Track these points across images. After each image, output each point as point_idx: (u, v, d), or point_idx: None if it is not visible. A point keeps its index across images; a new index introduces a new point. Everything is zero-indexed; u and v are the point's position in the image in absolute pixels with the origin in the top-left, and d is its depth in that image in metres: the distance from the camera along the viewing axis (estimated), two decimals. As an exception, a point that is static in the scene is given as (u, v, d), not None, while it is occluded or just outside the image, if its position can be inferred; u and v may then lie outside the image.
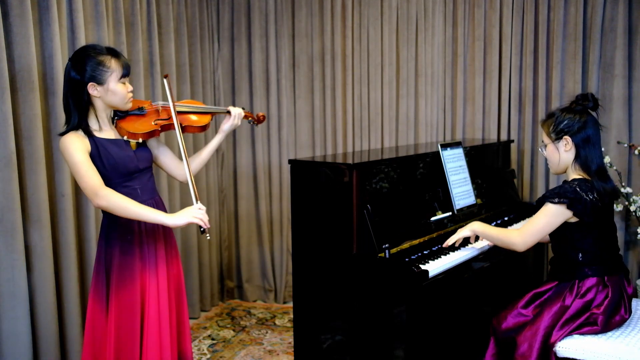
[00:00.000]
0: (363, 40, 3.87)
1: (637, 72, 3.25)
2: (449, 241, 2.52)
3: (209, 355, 3.30)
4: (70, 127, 2.03)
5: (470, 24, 3.65)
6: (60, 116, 2.60)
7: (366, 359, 2.42)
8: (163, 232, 2.21)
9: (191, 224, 2.01)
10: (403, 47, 3.80)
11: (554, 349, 2.18)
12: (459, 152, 2.88)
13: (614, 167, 3.23)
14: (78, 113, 2.04)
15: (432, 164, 2.83)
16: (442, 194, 2.77)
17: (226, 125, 2.42)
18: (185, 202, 3.75)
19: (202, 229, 2.04)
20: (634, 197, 3.15)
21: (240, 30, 4.06)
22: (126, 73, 2.08)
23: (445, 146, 2.80)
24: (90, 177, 1.97)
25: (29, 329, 2.48)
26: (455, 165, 2.82)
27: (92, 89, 2.02)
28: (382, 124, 3.90)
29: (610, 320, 2.20)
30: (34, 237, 2.54)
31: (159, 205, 2.21)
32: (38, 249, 2.55)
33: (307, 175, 2.57)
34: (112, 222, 2.10)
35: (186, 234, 3.79)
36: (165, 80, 2.21)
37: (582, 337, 2.18)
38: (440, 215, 2.71)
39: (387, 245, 2.34)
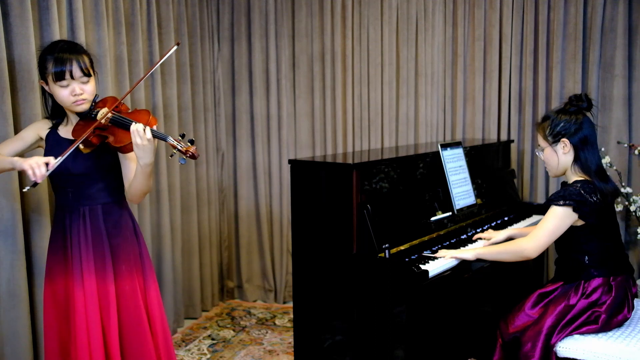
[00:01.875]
0: (363, 40, 3.87)
1: (637, 72, 3.25)
2: (447, 256, 2.40)
3: (209, 355, 3.30)
4: (48, 115, 2.17)
5: (470, 24, 3.65)
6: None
7: (366, 359, 2.42)
8: (96, 244, 2.08)
9: (25, 171, 1.87)
10: (403, 47, 3.80)
11: (554, 349, 2.18)
12: (459, 152, 2.88)
13: (614, 167, 3.23)
14: (47, 104, 2.14)
15: (432, 164, 2.83)
16: (442, 194, 2.77)
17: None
18: (186, 205, 3.76)
19: (29, 185, 1.88)
20: (634, 197, 3.15)
21: (240, 30, 4.06)
22: (59, 78, 1.95)
23: (445, 146, 2.80)
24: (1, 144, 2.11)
25: (29, 329, 2.47)
26: (455, 165, 2.82)
27: (43, 85, 2.06)
28: (382, 124, 3.90)
29: (613, 319, 2.20)
30: (34, 237, 2.54)
31: (93, 212, 2.08)
32: (38, 249, 2.55)
33: (307, 175, 2.57)
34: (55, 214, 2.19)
35: (187, 234, 3.79)
36: (175, 47, 2.11)
37: (582, 336, 2.18)
38: (440, 215, 2.71)
39: (387, 245, 2.34)
